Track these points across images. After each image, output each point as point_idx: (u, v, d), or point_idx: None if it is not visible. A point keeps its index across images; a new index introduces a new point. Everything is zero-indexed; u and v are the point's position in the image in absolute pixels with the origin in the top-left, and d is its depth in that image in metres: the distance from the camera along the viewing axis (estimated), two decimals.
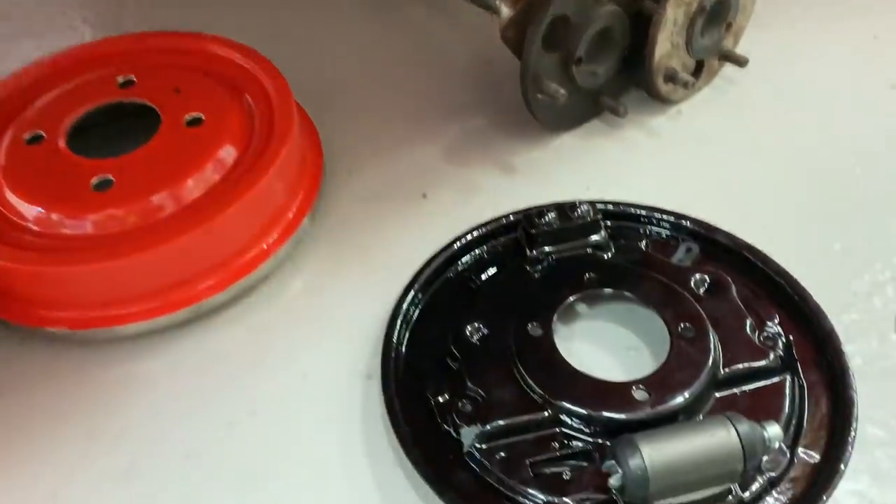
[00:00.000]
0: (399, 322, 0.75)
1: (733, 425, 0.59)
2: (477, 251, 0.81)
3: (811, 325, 0.72)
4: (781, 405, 0.67)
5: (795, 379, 0.69)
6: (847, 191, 0.87)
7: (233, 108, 0.84)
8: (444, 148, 0.93)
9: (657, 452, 0.58)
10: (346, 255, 0.84)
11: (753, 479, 0.62)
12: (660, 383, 0.66)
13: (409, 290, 0.77)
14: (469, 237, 0.80)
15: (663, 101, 0.95)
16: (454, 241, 0.80)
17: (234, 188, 0.77)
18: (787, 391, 0.68)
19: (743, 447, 0.58)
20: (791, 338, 0.72)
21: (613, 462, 0.59)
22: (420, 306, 0.77)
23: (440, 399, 0.69)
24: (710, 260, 0.79)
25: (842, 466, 0.62)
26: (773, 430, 0.59)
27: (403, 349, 0.74)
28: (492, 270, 0.79)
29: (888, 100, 0.97)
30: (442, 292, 0.79)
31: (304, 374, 0.74)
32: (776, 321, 0.73)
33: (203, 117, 0.82)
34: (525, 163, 0.89)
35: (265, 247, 0.79)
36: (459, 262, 0.80)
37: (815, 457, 0.64)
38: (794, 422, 0.66)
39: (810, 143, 0.92)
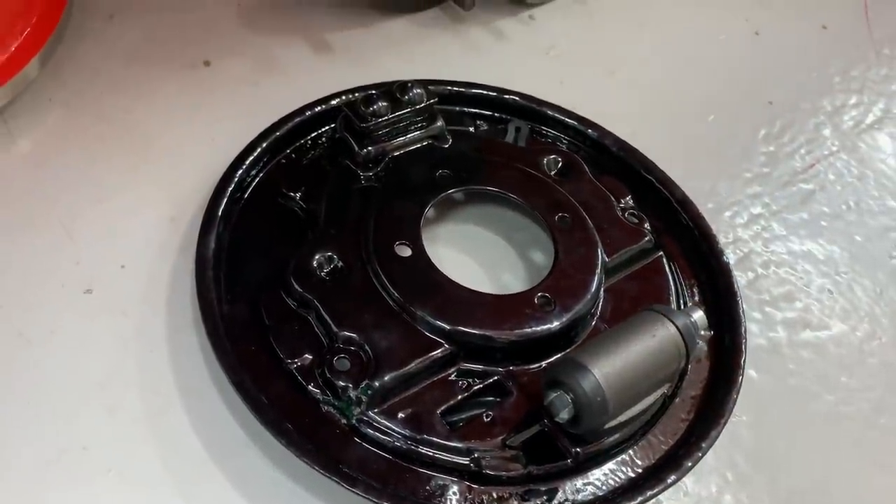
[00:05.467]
0: (208, 269, 0.55)
1: (669, 319, 0.51)
2: (289, 151, 0.63)
3: (661, 196, 0.68)
4: (665, 283, 0.62)
5: (664, 253, 0.64)
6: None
7: None
8: (241, 7, 0.72)
9: (608, 368, 0.48)
10: (89, 130, 0.62)
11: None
12: (558, 286, 0.56)
13: (212, 225, 0.57)
14: (279, 132, 0.62)
15: (517, 3, 0.82)
16: (256, 144, 0.61)
17: None
18: (666, 267, 0.63)
19: (684, 341, 0.51)
20: (644, 213, 0.67)
21: (559, 392, 0.49)
22: (227, 241, 0.58)
23: (298, 363, 0.52)
24: (542, 139, 0.71)
25: (742, 339, 0.59)
26: (698, 315, 0.53)
27: (224, 305, 0.54)
28: (311, 180, 0.61)
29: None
30: (255, 218, 0.59)
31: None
32: (629, 199, 0.67)
33: None
34: (343, 42, 0.71)
35: None
36: (264, 172, 0.62)
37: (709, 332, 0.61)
38: (680, 299, 0.62)
39: (663, 61, 0.84)
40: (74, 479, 0.48)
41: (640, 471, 0.52)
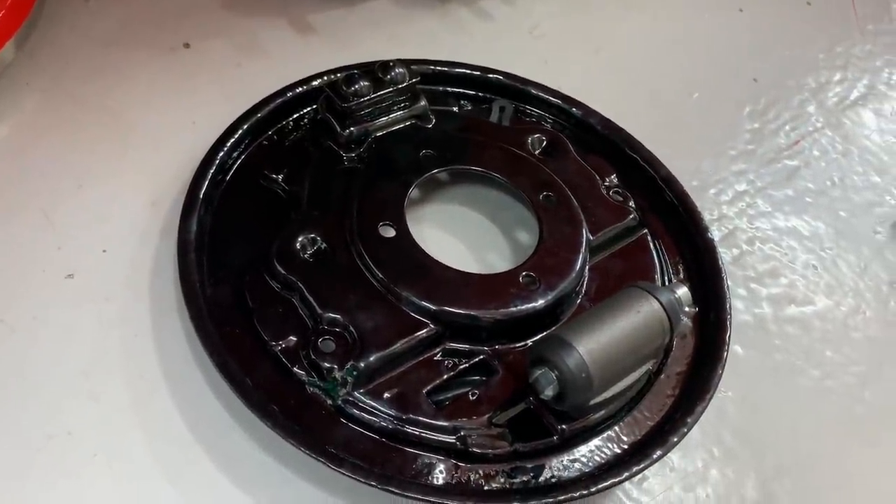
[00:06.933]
0: (190, 252, 0.55)
1: (653, 296, 0.51)
2: (271, 133, 0.63)
3: (646, 174, 0.67)
4: (650, 261, 0.62)
5: (648, 231, 0.64)
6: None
7: None
8: None
9: (593, 345, 0.48)
10: (68, 115, 0.61)
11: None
12: (543, 265, 0.56)
13: (193, 208, 0.56)
14: (260, 114, 0.61)
15: None
16: (237, 126, 0.60)
17: None
18: (651, 245, 0.63)
19: (668, 316, 0.51)
20: (629, 191, 0.67)
21: (544, 369, 0.49)
22: (209, 224, 0.57)
23: (283, 345, 0.52)
24: (526, 118, 0.70)
25: (727, 315, 0.59)
26: (682, 291, 0.53)
27: (207, 288, 0.54)
28: (293, 162, 0.61)
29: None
30: (237, 200, 0.59)
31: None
32: (614, 177, 0.67)
33: None
34: (326, 23, 0.70)
35: None
36: (246, 154, 0.61)
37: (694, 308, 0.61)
38: (665, 276, 0.62)
39: (647, 40, 0.83)
40: (60, 465, 0.48)
41: (626, 447, 0.52)
